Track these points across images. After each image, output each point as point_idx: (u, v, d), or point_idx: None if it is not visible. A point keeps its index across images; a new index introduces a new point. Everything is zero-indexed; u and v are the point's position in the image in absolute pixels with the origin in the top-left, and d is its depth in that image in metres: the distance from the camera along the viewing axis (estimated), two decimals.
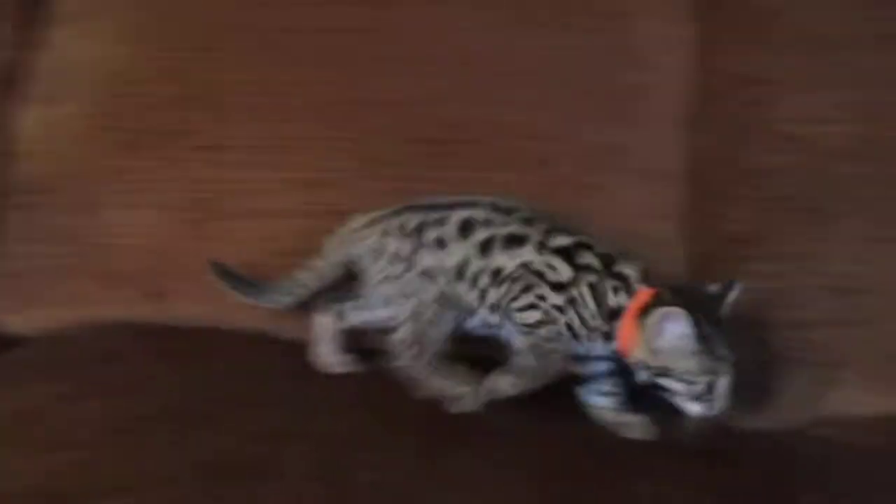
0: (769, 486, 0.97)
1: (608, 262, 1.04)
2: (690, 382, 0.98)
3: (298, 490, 0.86)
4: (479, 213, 1.07)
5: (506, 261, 1.05)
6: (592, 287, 1.03)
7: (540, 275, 1.04)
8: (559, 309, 1.04)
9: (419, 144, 1.24)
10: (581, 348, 1.05)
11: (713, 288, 1.03)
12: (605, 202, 1.23)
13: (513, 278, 1.05)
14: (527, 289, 1.04)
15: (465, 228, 1.07)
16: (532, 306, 1.04)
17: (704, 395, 0.99)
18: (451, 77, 1.27)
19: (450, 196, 1.10)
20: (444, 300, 1.07)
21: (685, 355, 0.98)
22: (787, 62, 1.24)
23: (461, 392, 1.05)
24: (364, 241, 1.10)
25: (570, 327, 1.04)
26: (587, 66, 1.29)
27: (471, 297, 1.07)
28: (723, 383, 0.98)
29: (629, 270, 1.03)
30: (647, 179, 1.26)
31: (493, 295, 1.06)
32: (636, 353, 1.00)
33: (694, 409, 1.00)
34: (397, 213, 1.09)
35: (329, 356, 1.13)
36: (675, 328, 0.97)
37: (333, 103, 1.26)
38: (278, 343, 1.19)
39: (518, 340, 1.06)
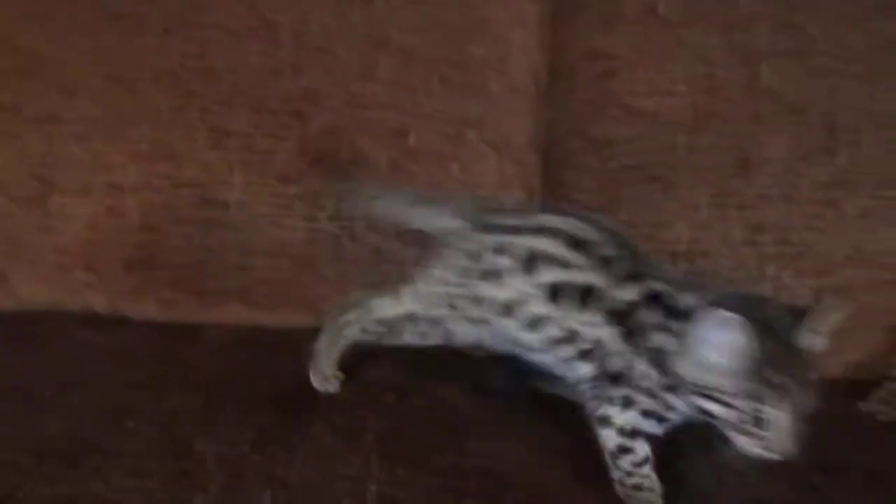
0: None
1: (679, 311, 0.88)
2: (729, 406, 0.83)
3: (141, 466, 0.85)
4: (550, 247, 0.94)
5: (582, 326, 0.92)
6: (654, 353, 0.88)
7: (616, 377, 0.90)
8: (627, 402, 0.90)
9: (266, 115, 1.21)
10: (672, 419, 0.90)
11: (800, 306, 0.86)
12: (460, 173, 1.24)
13: (595, 375, 0.92)
14: (610, 399, 0.91)
15: (531, 262, 0.95)
16: (606, 421, 0.91)
17: (751, 429, 0.82)
18: (300, 47, 1.25)
19: (522, 211, 1.05)
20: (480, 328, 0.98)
21: (730, 372, 0.82)
22: (634, 38, 1.28)
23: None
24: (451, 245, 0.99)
25: (649, 414, 0.89)
26: (440, 39, 1.29)
27: (528, 338, 0.96)
28: (778, 418, 0.81)
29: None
30: (501, 151, 1.27)
31: (566, 353, 0.94)
32: (676, 367, 0.86)
33: (742, 442, 0.83)
34: (478, 227, 0.98)
35: (327, 371, 1.04)
36: (722, 336, 0.82)
37: (175, 73, 1.22)
38: (125, 323, 1.15)
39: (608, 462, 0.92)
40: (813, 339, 0.84)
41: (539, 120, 1.30)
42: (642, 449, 0.90)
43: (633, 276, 0.91)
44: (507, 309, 0.95)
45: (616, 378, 0.90)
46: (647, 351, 0.88)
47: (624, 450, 0.90)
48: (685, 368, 0.85)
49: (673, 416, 0.89)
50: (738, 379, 0.82)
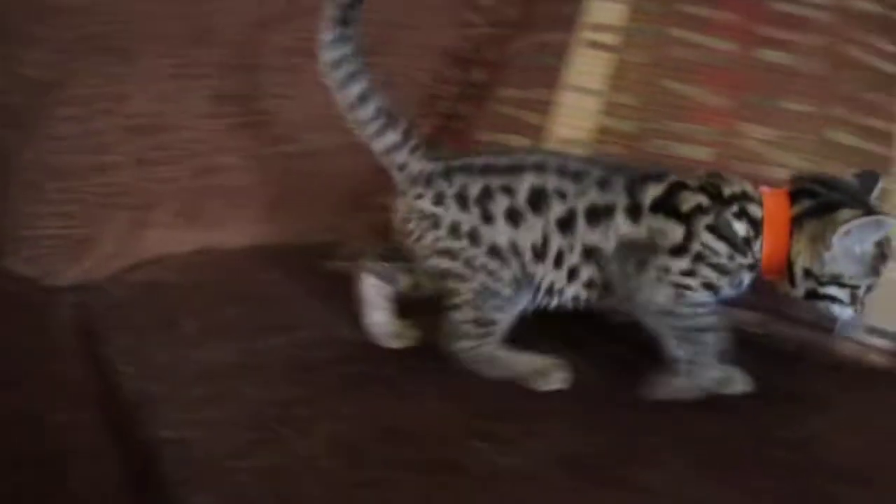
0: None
1: (714, 190, 0.90)
2: (855, 287, 0.89)
3: None
4: (549, 182, 0.90)
5: (599, 239, 0.90)
6: (713, 229, 0.89)
7: (650, 248, 0.89)
8: (688, 273, 0.89)
9: None
10: (728, 294, 0.92)
11: (850, 178, 0.93)
12: None
13: (620, 259, 0.89)
14: (641, 265, 0.89)
15: (537, 201, 0.90)
16: (657, 289, 0.89)
17: (861, 299, 0.90)
18: None
19: (502, 153, 0.95)
20: (518, 282, 0.91)
21: (863, 261, 0.88)
22: None
23: (537, 369, 0.91)
24: (413, 202, 0.92)
25: (708, 286, 0.89)
26: None
27: (556, 277, 0.92)
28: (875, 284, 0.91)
29: (738, 187, 0.90)
30: None
31: (588, 272, 0.91)
32: (801, 261, 0.88)
33: (846, 313, 0.90)
34: (447, 175, 0.91)
35: (384, 326, 0.96)
36: (876, 236, 0.88)
37: None
38: None
39: (663, 337, 0.90)
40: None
41: None
42: (697, 296, 0.89)
43: (646, 178, 0.91)
44: (538, 253, 0.90)
45: (677, 251, 0.88)
46: (705, 227, 0.88)
47: (679, 296, 0.89)
48: (817, 266, 0.88)
49: (728, 292, 0.91)
50: (871, 264, 0.88)
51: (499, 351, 0.91)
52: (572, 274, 0.91)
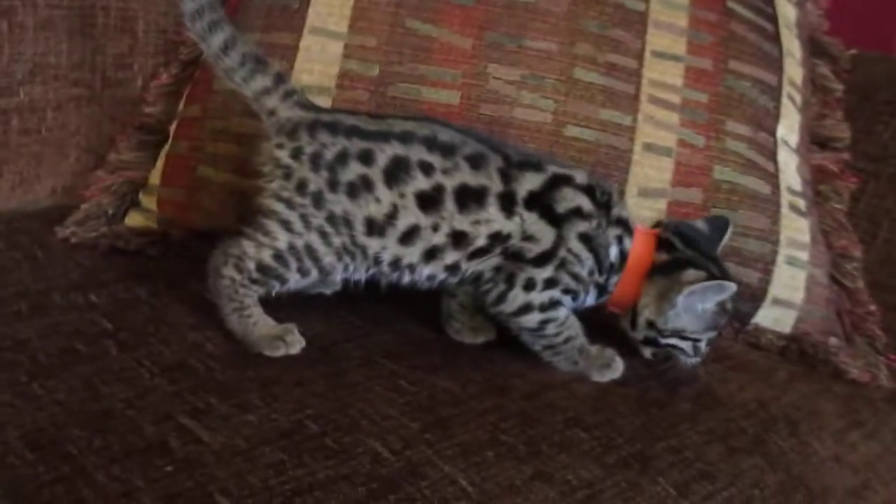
0: None
1: (602, 199, 0.88)
2: (697, 340, 0.92)
3: None
4: (413, 153, 0.86)
5: (469, 226, 0.86)
6: (587, 239, 0.87)
7: (518, 256, 0.87)
8: (551, 282, 0.87)
9: None
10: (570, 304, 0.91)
11: (700, 225, 0.94)
12: None
13: (488, 267, 0.88)
14: (509, 280, 0.87)
15: (396, 172, 0.85)
16: (526, 308, 0.88)
17: (702, 350, 0.93)
18: None
19: (378, 117, 0.90)
20: (346, 252, 0.87)
21: (704, 318, 0.90)
22: None
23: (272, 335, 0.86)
24: (272, 150, 0.88)
25: (568, 292, 0.89)
26: None
27: (405, 254, 0.87)
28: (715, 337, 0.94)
29: (626, 213, 0.90)
30: None
31: (454, 257, 0.87)
32: (647, 313, 0.90)
33: (690, 362, 0.93)
34: (312, 130, 0.87)
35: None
36: (717, 297, 0.89)
37: None
38: None
39: (527, 341, 0.91)
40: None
41: None
42: (561, 312, 0.90)
43: (524, 166, 0.87)
44: (376, 228, 0.86)
45: (542, 260, 0.87)
46: (577, 236, 0.87)
47: (545, 321, 0.89)
48: (660, 319, 0.89)
49: (586, 298, 0.91)
50: (712, 320, 0.90)
51: (252, 304, 0.87)
52: (431, 254, 0.87)
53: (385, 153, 0.85)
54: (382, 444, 0.73)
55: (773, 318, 1.05)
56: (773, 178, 1.06)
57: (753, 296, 1.04)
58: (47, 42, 1.07)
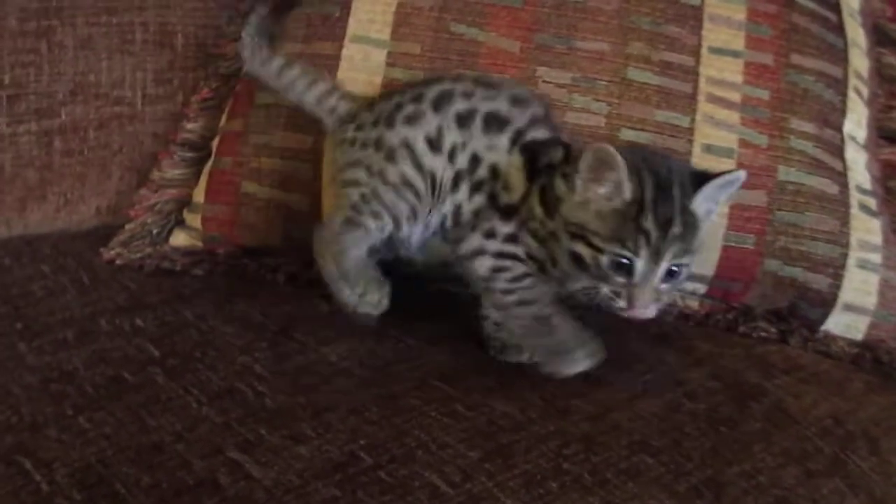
0: None
1: (577, 153, 0.82)
2: (598, 250, 0.78)
3: None
4: (458, 86, 0.89)
5: (483, 149, 0.87)
6: (543, 191, 0.84)
7: (492, 197, 0.86)
8: (511, 238, 0.85)
9: None
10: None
11: (706, 172, 0.82)
12: None
13: (481, 208, 0.87)
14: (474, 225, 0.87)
15: (441, 100, 0.89)
16: (479, 252, 0.86)
17: (613, 279, 0.79)
18: None
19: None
20: (405, 185, 0.88)
21: (605, 213, 0.79)
22: None
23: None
24: (336, 135, 0.94)
25: (532, 258, 0.85)
26: None
27: (446, 175, 0.87)
28: (643, 272, 0.78)
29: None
30: None
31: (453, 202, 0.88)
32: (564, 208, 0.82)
33: (605, 293, 0.80)
34: (371, 105, 0.92)
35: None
36: (603, 172, 0.79)
37: None
38: None
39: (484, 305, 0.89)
40: (709, 206, 0.81)
41: None
42: (518, 268, 0.85)
43: (544, 120, 0.88)
44: (432, 144, 0.87)
45: (508, 213, 0.85)
46: (540, 189, 0.84)
47: (498, 269, 0.85)
48: (567, 208, 0.81)
49: (552, 271, 0.84)
50: (613, 222, 0.78)
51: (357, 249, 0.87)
52: (456, 182, 0.87)
53: (433, 89, 0.89)
54: (440, 476, 0.69)
55: (844, 324, 1.00)
56: (841, 176, 1.00)
57: (823, 301, 0.98)
58: (87, 61, 1.05)
